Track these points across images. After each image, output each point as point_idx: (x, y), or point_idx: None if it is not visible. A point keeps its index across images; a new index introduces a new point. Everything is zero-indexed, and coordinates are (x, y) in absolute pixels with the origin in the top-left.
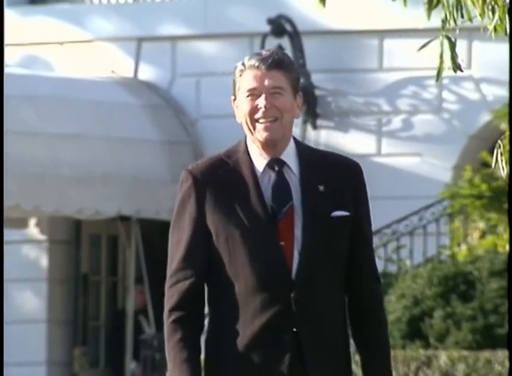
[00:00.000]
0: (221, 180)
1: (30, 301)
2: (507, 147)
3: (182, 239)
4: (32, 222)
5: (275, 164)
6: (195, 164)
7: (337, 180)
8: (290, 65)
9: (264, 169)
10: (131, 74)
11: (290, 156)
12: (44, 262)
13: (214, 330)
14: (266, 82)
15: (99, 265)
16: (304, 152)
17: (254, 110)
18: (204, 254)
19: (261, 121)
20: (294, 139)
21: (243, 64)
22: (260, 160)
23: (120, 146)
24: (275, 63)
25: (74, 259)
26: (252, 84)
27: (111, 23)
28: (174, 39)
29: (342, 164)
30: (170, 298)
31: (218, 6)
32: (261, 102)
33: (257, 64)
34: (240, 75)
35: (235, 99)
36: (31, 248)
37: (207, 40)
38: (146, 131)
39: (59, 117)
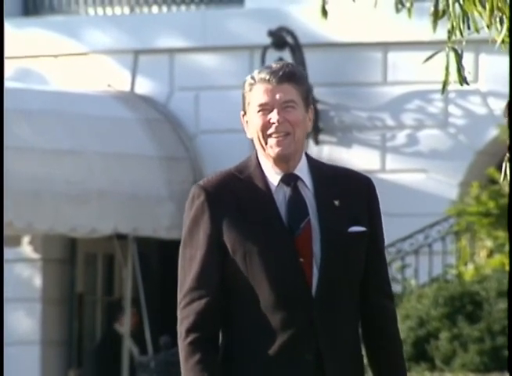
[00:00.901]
0: (235, 195)
1: (23, 322)
2: None
3: (195, 256)
4: (25, 240)
5: (290, 179)
6: (206, 179)
7: (351, 195)
8: (301, 77)
9: (278, 184)
10: (127, 88)
11: (303, 171)
12: (37, 281)
13: (232, 350)
14: (277, 96)
15: (95, 284)
16: (317, 167)
17: (266, 125)
18: (219, 272)
19: (273, 136)
20: (306, 153)
21: (253, 78)
22: (273, 176)
23: (116, 162)
24: (286, 75)
25: (69, 279)
26: (263, 98)
27: (107, 36)
28: (172, 52)
29: (355, 178)
30: (185, 318)
31: (217, 18)
32: (274, 116)
33: (267, 77)
34: (250, 89)
35: (244, 115)
36: (24, 267)
37: (206, 53)
38: (143, 146)
39: (53, 133)
